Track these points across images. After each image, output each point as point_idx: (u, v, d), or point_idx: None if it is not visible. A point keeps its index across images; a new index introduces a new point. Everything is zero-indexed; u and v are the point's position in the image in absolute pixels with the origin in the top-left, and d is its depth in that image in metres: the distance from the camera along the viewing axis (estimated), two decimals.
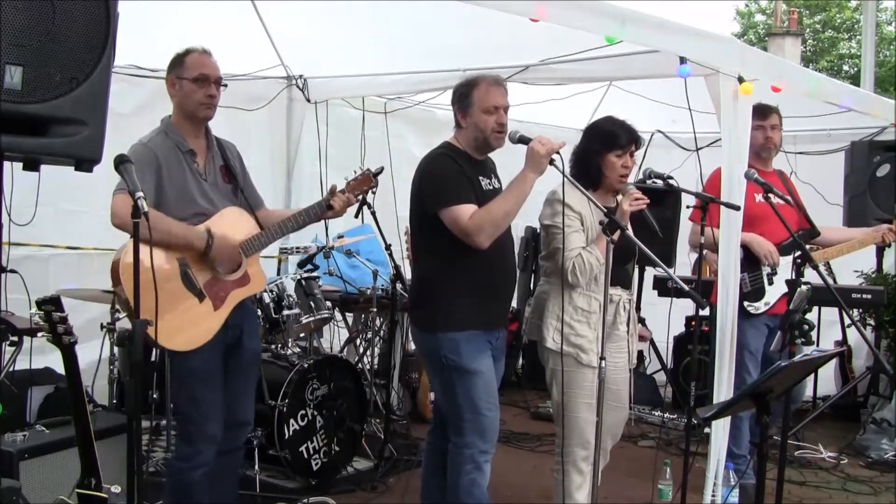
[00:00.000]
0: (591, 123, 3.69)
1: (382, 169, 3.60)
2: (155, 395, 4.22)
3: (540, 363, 3.66)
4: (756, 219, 4.30)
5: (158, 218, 2.93)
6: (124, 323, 4.06)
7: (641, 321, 5.87)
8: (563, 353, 3.42)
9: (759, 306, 4.39)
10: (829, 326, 6.40)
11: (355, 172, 3.51)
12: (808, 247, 4.18)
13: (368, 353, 5.64)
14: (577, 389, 3.42)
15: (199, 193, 3.24)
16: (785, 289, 4.34)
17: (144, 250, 2.98)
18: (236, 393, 3.38)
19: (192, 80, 3.19)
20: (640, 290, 5.72)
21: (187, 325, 3.09)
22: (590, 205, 3.39)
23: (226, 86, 3.31)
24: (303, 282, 4.87)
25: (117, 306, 4.04)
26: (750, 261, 4.35)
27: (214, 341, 3.20)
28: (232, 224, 3.28)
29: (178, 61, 3.24)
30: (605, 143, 3.49)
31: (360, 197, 3.57)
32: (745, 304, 4.33)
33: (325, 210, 3.38)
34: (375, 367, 5.59)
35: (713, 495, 3.97)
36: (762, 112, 4.41)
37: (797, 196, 4.65)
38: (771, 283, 4.42)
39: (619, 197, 3.49)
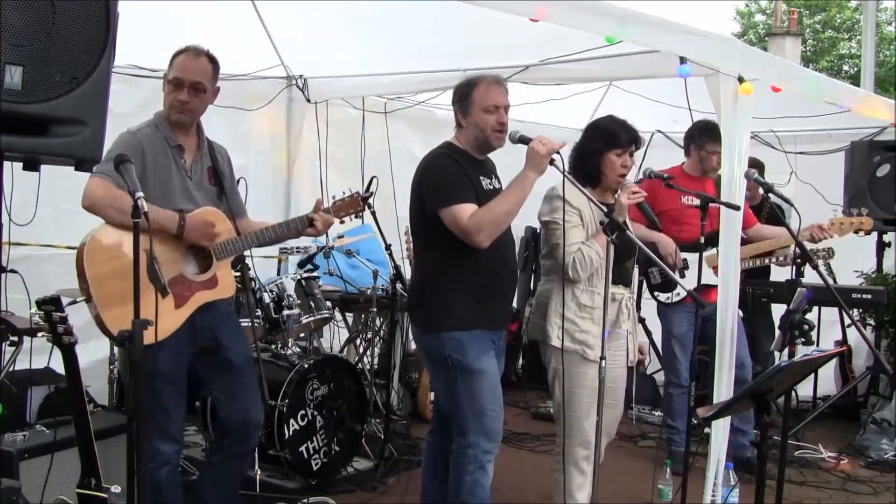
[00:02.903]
0: (591, 122, 3.72)
1: (372, 194, 3.61)
2: None
3: (540, 363, 3.67)
4: (672, 217, 4.74)
5: (130, 203, 2.70)
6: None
7: (641, 321, 5.87)
8: (568, 350, 3.43)
9: (671, 296, 4.80)
10: (829, 326, 6.39)
11: (343, 193, 3.52)
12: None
13: (368, 353, 5.64)
14: (580, 389, 3.43)
15: (181, 190, 3.22)
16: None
17: (111, 237, 3.00)
18: (233, 393, 3.35)
19: (169, 82, 3.19)
20: (639, 290, 5.72)
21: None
22: (588, 202, 3.40)
23: (217, 88, 3.29)
24: (303, 282, 4.87)
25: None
26: (660, 256, 4.76)
27: (180, 342, 3.15)
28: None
29: (171, 60, 3.23)
30: (606, 141, 3.52)
31: (344, 217, 3.55)
32: (657, 293, 4.90)
33: (306, 226, 3.38)
34: (375, 367, 5.59)
35: (713, 495, 3.97)
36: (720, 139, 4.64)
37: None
38: (682, 276, 4.73)
39: (617, 194, 3.51)
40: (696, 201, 4.19)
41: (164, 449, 3.21)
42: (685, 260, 4.76)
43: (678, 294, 4.71)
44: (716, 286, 4.52)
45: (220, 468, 3.45)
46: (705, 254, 4.59)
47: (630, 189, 3.42)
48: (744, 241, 4.82)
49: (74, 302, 3.61)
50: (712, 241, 4.57)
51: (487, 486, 3.33)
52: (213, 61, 3.26)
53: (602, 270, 3.32)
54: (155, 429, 3.18)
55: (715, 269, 4.60)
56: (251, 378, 3.47)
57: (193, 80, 3.18)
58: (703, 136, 4.78)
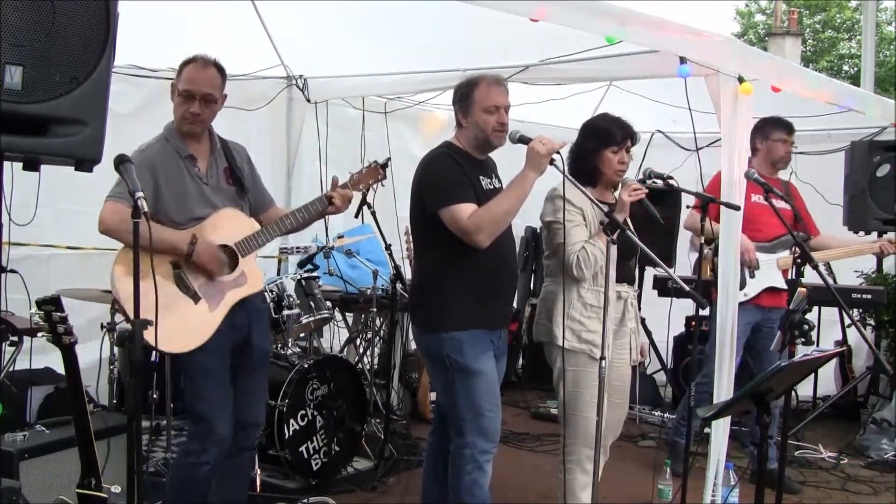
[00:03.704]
0: (586, 121, 3.73)
1: (389, 160, 3.59)
2: (155, 395, 4.22)
3: (540, 363, 3.67)
4: (747, 217, 4.43)
5: (144, 229, 2.83)
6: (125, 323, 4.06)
7: (641, 321, 5.88)
8: (575, 350, 3.43)
9: (739, 296, 4.52)
10: (829, 326, 6.40)
11: (361, 166, 3.50)
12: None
13: (368, 353, 5.64)
14: (585, 389, 3.43)
15: (198, 198, 3.24)
16: (767, 283, 4.59)
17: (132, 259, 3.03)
18: (245, 393, 3.38)
19: (179, 93, 3.21)
20: (640, 290, 5.72)
21: (184, 328, 3.09)
22: (590, 201, 3.40)
23: (225, 96, 3.30)
24: (303, 282, 4.87)
25: (116, 307, 4.04)
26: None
27: (221, 342, 3.20)
28: (227, 225, 3.28)
29: (179, 70, 3.25)
30: (601, 140, 3.54)
31: (365, 190, 3.54)
32: None
33: (326, 205, 3.36)
34: (375, 367, 5.59)
35: (713, 495, 3.97)
36: (789, 128, 4.77)
37: (800, 204, 4.89)
38: (752, 276, 4.63)
39: (618, 192, 3.52)
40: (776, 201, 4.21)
41: (211, 448, 3.23)
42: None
43: (745, 294, 4.57)
44: (781, 290, 4.57)
45: (226, 467, 3.45)
46: (777, 255, 4.61)
47: (631, 186, 3.43)
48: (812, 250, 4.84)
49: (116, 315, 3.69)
50: (780, 244, 4.64)
51: (486, 486, 3.33)
52: (221, 70, 3.28)
53: (605, 267, 3.33)
54: (205, 430, 3.22)
55: (785, 272, 4.65)
56: (262, 378, 3.50)
57: (204, 92, 3.20)
58: (768, 126, 4.76)
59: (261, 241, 3.32)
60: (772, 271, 4.60)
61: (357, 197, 3.55)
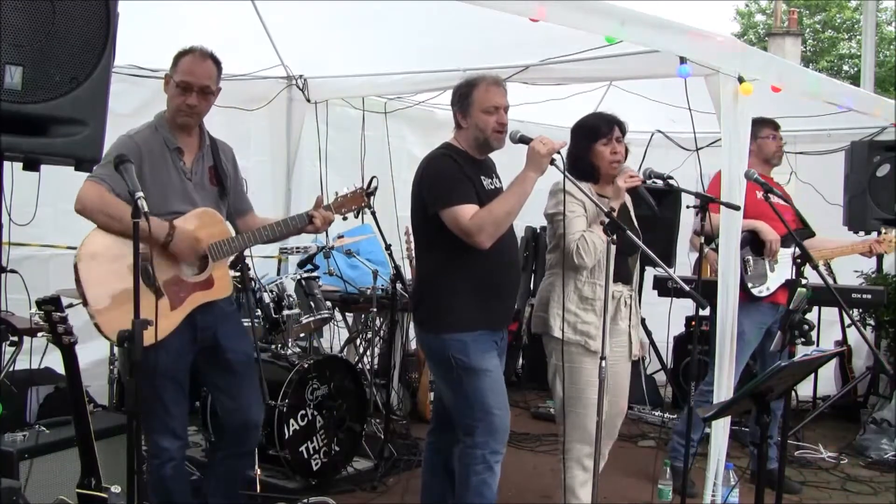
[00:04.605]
0: (574, 124, 3.74)
1: (376, 188, 3.57)
2: None
3: (541, 363, 3.67)
4: (760, 215, 4.48)
5: (123, 210, 2.85)
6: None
7: (641, 321, 5.87)
8: (569, 342, 3.44)
9: (762, 290, 4.59)
10: (829, 326, 6.40)
11: (346, 189, 3.49)
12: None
13: (368, 353, 5.64)
14: (582, 385, 3.44)
15: (180, 192, 3.21)
16: (785, 277, 4.55)
17: (104, 241, 3.01)
18: (232, 394, 3.35)
19: (176, 84, 3.18)
20: (640, 289, 5.72)
21: None
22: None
23: (219, 89, 3.28)
24: (303, 282, 4.87)
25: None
26: (755, 246, 4.59)
27: (182, 343, 3.16)
28: (203, 225, 3.23)
29: (175, 61, 3.21)
30: (588, 135, 3.60)
31: (347, 215, 3.52)
32: (749, 285, 4.54)
33: (305, 223, 3.34)
34: (375, 367, 5.59)
35: (713, 495, 3.97)
36: (774, 125, 4.79)
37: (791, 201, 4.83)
38: (772, 269, 4.62)
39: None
40: (775, 199, 4.20)
41: (167, 445, 3.21)
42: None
43: (768, 289, 4.59)
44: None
45: (222, 468, 3.45)
46: (791, 251, 4.61)
47: (627, 173, 3.48)
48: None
49: (71, 305, 3.61)
50: (791, 239, 4.64)
51: (495, 486, 3.32)
52: (218, 63, 3.25)
53: (604, 263, 3.34)
54: (157, 426, 3.19)
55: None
56: (251, 378, 3.45)
57: (202, 84, 3.17)
58: (754, 126, 4.72)
59: (234, 247, 3.28)
60: (788, 266, 4.59)
61: (338, 220, 3.53)
